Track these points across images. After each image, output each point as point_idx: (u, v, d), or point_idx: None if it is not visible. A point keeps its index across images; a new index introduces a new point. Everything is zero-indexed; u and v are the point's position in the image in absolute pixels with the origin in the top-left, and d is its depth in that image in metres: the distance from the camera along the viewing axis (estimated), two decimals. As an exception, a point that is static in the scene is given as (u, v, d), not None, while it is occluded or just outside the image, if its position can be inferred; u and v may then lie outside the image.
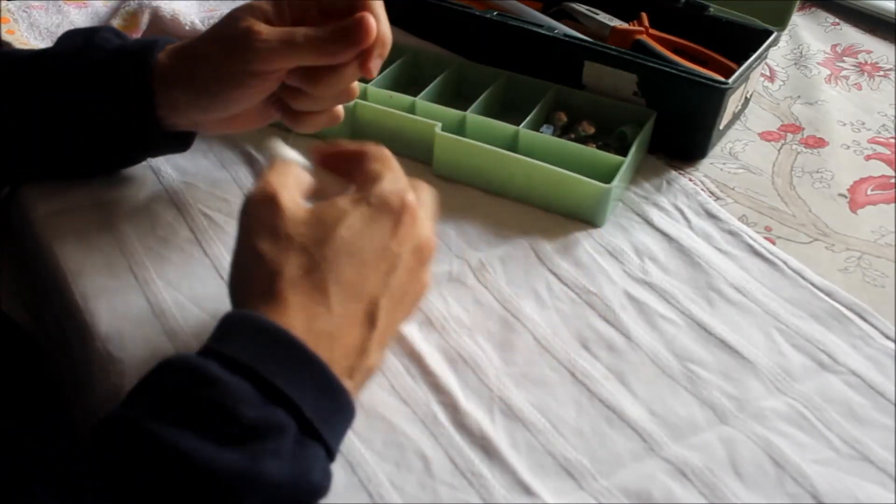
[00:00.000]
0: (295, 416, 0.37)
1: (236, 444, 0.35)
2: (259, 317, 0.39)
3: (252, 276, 0.42)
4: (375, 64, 0.52)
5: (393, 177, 0.46)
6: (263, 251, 0.42)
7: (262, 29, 0.51)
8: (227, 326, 0.40)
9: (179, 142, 0.59)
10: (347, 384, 0.40)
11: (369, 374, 0.45)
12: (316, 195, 0.47)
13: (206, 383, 0.36)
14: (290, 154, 0.49)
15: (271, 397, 0.37)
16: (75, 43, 0.56)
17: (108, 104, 0.54)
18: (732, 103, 0.68)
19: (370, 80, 0.66)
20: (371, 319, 0.42)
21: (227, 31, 0.52)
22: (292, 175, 0.46)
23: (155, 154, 0.61)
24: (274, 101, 0.56)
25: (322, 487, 0.39)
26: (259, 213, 0.43)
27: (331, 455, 0.39)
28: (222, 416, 0.36)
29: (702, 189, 0.66)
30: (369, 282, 0.42)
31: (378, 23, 0.50)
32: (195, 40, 0.55)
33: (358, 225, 0.43)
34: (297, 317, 0.40)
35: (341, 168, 0.48)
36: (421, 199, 0.47)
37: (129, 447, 0.35)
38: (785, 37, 0.89)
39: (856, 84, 0.83)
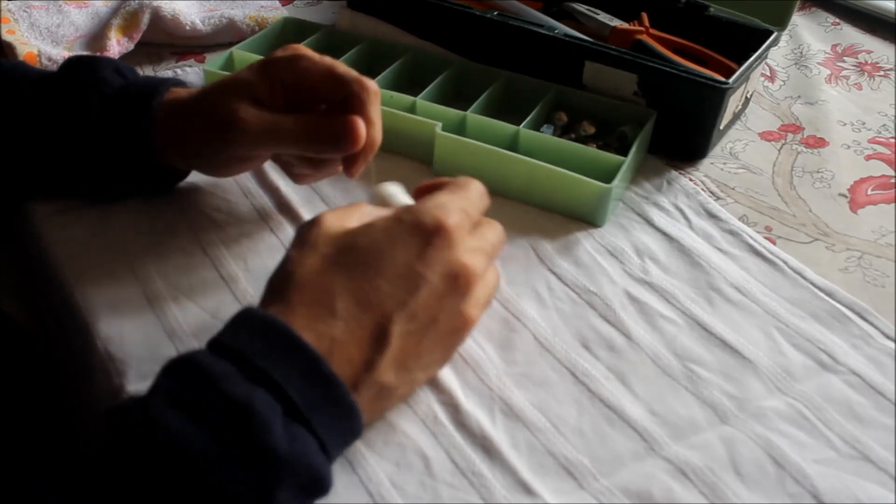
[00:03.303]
0: (281, 401, 0.37)
1: (223, 427, 0.35)
2: (258, 310, 0.40)
3: (274, 278, 0.43)
4: (358, 168, 0.51)
5: (442, 199, 0.44)
6: (289, 255, 0.43)
7: (248, 116, 0.50)
8: (229, 320, 0.41)
9: (177, 177, 0.60)
10: (352, 396, 0.40)
11: (388, 398, 0.44)
12: None
13: (194, 368, 0.37)
14: (396, 191, 0.50)
15: (253, 375, 0.37)
16: (75, 77, 0.55)
17: (105, 149, 0.54)
18: (733, 103, 0.68)
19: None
20: (381, 334, 0.41)
21: (214, 111, 0.51)
22: (356, 212, 0.46)
23: (153, 190, 0.60)
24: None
25: (324, 474, 0.38)
26: (302, 229, 0.44)
27: (325, 450, 0.39)
28: (206, 396, 0.36)
29: (702, 189, 0.66)
30: (383, 294, 0.41)
31: (369, 127, 0.50)
32: (189, 102, 0.54)
33: (380, 236, 0.43)
34: (300, 314, 0.40)
35: None
36: (484, 234, 0.46)
37: (130, 439, 0.35)
38: (785, 37, 0.89)
39: (856, 84, 0.83)
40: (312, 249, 0.43)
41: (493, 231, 0.47)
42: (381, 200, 0.49)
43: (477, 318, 0.45)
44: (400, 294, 0.42)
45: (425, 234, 0.43)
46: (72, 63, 0.56)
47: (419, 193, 0.48)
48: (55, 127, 0.54)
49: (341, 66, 0.51)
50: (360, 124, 0.49)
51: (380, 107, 0.51)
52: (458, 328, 0.44)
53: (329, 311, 0.41)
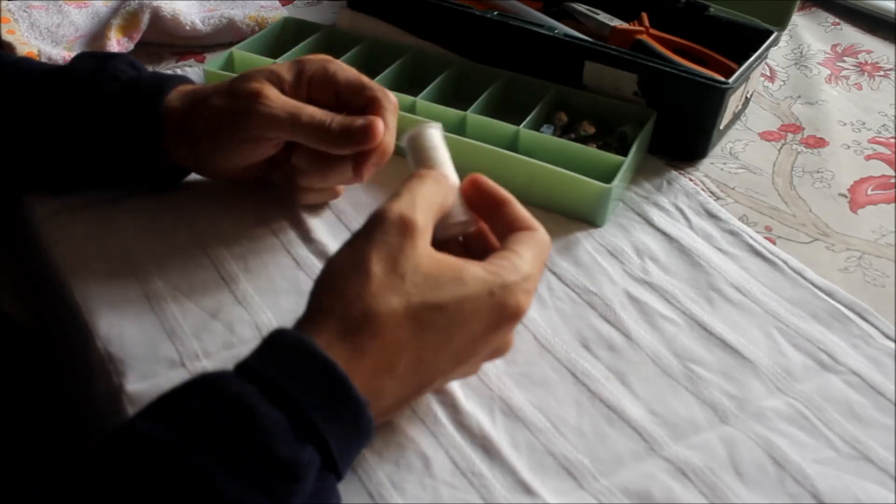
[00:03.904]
0: (322, 452, 0.37)
1: (264, 482, 0.34)
2: (313, 346, 0.38)
3: (347, 290, 0.40)
4: (368, 171, 0.52)
5: (528, 271, 0.43)
6: (372, 271, 0.40)
7: (271, 94, 0.51)
8: (276, 345, 0.39)
9: (177, 176, 0.60)
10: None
11: None
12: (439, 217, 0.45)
13: (243, 413, 0.35)
14: (443, 154, 0.47)
15: (304, 431, 0.36)
16: (88, 67, 0.55)
17: (112, 138, 0.54)
18: (733, 103, 0.68)
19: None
20: (419, 391, 0.43)
21: (238, 87, 0.53)
22: (440, 202, 0.43)
23: (156, 185, 0.60)
24: (276, 167, 0.57)
25: None
26: (389, 233, 0.41)
27: (340, 478, 0.39)
28: (255, 450, 0.35)
29: (702, 189, 0.66)
30: (438, 369, 0.42)
31: (385, 131, 0.51)
32: (209, 87, 0.55)
33: (465, 307, 0.40)
34: (365, 366, 0.39)
35: (481, 205, 0.46)
36: None
37: (150, 465, 0.34)
38: (785, 37, 0.89)
39: (856, 84, 0.83)
40: (399, 284, 0.40)
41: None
42: (417, 151, 0.47)
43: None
44: (452, 365, 0.42)
45: (503, 318, 0.42)
46: (85, 56, 0.57)
47: (475, 192, 0.46)
48: (68, 115, 0.54)
49: (367, 77, 0.54)
50: (380, 122, 0.51)
51: (396, 119, 0.54)
52: (469, 374, 0.47)
53: (389, 368, 0.40)
